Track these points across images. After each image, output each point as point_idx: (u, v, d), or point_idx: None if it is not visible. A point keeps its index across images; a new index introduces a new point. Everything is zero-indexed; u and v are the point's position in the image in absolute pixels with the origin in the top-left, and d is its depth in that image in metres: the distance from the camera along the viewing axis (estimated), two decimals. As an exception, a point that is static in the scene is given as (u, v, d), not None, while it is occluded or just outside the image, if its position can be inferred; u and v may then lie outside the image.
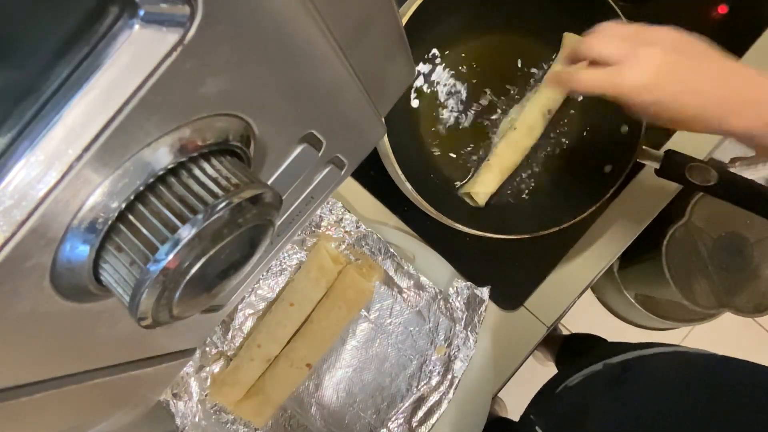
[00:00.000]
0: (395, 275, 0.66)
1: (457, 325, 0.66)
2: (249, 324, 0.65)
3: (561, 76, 0.48)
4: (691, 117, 0.43)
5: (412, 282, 0.66)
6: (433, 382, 0.66)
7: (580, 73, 0.45)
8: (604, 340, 1.07)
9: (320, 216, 0.66)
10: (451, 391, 0.65)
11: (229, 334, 0.64)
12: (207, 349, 0.63)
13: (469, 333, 0.66)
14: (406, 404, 0.65)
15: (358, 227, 0.66)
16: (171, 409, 0.61)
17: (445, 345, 0.66)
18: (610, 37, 0.45)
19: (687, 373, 0.56)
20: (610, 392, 0.59)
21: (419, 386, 0.66)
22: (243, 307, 0.65)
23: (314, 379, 0.65)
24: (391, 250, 0.66)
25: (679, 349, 0.66)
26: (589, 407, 0.59)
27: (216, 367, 0.63)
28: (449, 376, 0.65)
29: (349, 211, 0.66)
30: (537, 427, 0.64)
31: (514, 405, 0.73)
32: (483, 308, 0.66)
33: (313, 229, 0.66)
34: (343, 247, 0.66)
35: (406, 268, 0.66)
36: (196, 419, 0.62)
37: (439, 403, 0.65)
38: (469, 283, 0.67)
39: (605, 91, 0.45)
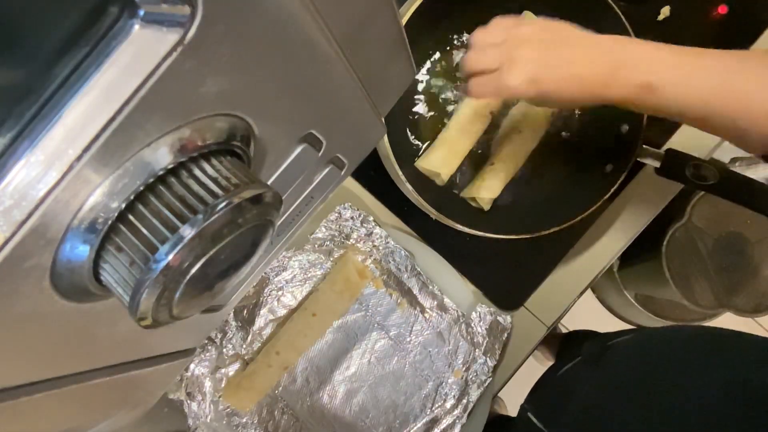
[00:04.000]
0: (419, 294, 0.66)
1: (476, 350, 0.66)
2: (269, 330, 0.64)
3: (464, 89, 0.52)
4: (574, 96, 0.47)
5: (435, 302, 0.66)
6: (448, 405, 0.65)
7: (471, 84, 0.49)
8: (610, 333, 1.08)
9: (351, 228, 0.66)
10: (465, 415, 0.65)
11: (249, 338, 0.64)
12: (224, 350, 0.63)
13: (488, 359, 0.65)
14: (419, 425, 0.65)
15: (387, 243, 0.66)
16: (184, 409, 0.61)
17: (463, 369, 0.65)
18: (484, 49, 0.49)
19: (658, 348, 0.59)
20: (591, 373, 0.62)
21: (433, 408, 0.65)
22: (264, 312, 0.65)
23: (328, 391, 0.65)
24: (418, 268, 0.66)
25: (659, 329, 0.69)
26: (574, 390, 0.62)
27: (232, 370, 0.63)
28: (464, 401, 0.65)
29: (380, 226, 0.66)
30: (529, 413, 0.66)
31: (514, 405, 0.74)
32: (505, 336, 0.66)
33: (342, 240, 0.66)
34: (370, 261, 0.66)
35: (431, 288, 0.66)
36: (208, 420, 0.62)
37: (452, 426, 0.65)
38: (493, 309, 0.67)
39: (495, 95, 0.50)
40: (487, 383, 0.65)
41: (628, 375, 0.57)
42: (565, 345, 1.28)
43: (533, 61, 0.46)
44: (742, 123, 0.43)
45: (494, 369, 0.66)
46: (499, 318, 0.66)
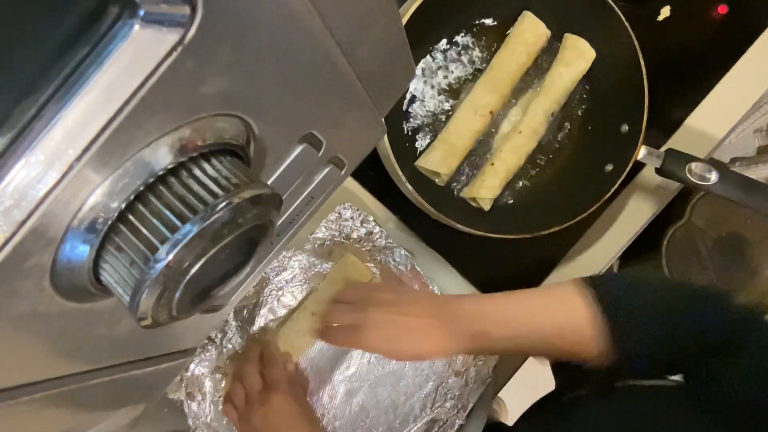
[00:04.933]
0: None
1: None
2: (268, 329, 0.64)
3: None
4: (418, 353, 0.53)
5: None
6: (448, 405, 0.65)
7: (328, 332, 0.55)
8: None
9: (351, 228, 0.66)
10: (465, 415, 0.65)
11: (248, 336, 0.64)
12: (224, 350, 0.63)
13: (488, 360, 0.65)
14: (419, 425, 0.65)
15: (386, 243, 0.66)
16: (184, 409, 0.61)
17: (463, 370, 0.65)
18: (342, 306, 0.55)
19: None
20: (598, 405, 0.62)
21: (434, 408, 0.65)
22: (264, 312, 0.65)
23: (328, 391, 0.65)
24: (418, 268, 0.66)
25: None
26: (577, 419, 0.62)
27: (232, 368, 0.63)
28: (464, 401, 0.65)
29: (379, 225, 0.66)
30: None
31: (514, 405, 0.74)
32: None
33: (343, 240, 0.66)
34: (370, 261, 0.66)
35: (431, 288, 0.66)
36: (208, 420, 0.61)
37: (452, 426, 0.65)
38: None
39: (347, 345, 0.60)
40: (487, 383, 0.65)
41: (639, 422, 0.57)
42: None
43: (384, 325, 0.51)
44: (572, 349, 0.49)
45: (494, 369, 0.66)
46: None
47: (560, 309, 0.50)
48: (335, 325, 0.55)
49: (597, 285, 0.49)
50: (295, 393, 0.60)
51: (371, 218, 0.66)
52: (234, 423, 0.59)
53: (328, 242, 0.66)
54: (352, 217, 0.66)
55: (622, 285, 0.50)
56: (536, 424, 0.65)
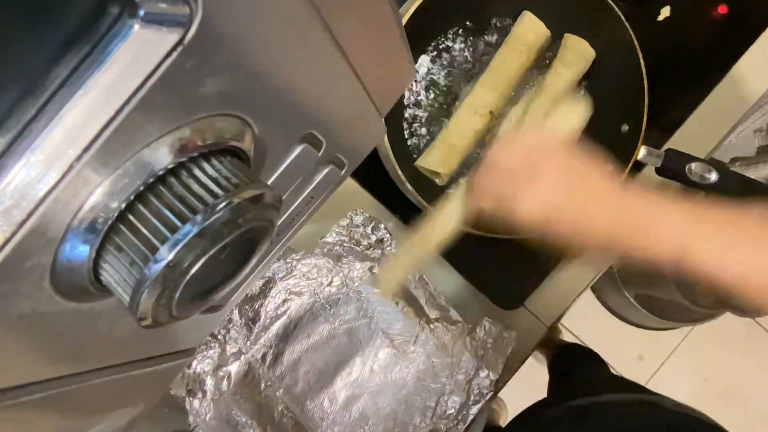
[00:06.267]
0: (425, 305, 0.66)
1: (479, 363, 0.66)
2: (273, 329, 0.65)
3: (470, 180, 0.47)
4: (581, 244, 0.43)
5: (441, 314, 0.66)
6: (448, 416, 0.65)
7: (478, 181, 0.45)
8: (593, 364, 1.09)
9: (361, 234, 0.66)
10: (464, 428, 0.65)
11: (252, 336, 0.64)
12: (227, 348, 0.63)
13: (490, 374, 0.65)
14: None
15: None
16: (186, 406, 0.61)
17: (465, 381, 0.65)
18: (501, 170, 0.44)
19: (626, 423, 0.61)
20: (572, 429, 0.63)
21: (433, 418, 0.65)
22: (270, 311, 0.65)
23: (329, 395, 0.65)
24: (425, 278, 0.66)
25: (636, 397, 0.70)
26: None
27: (234, 367, 0.63)
28: (464, 413, 0.65)
29: (390, 233, 0.66)
30: None
31: (514, 405, 0.74)
32: (509, 351, 0.66)
33: (352, 246, 0.66)
34: (378, 268, 0.66)
35: (437, 299, 0.66)
36: (208, 418, 0.62)
37: None
38: (499, 325, 0.66)
39: (495, 213, 0.45)
40: (488, 397, 0.65)
41: None
42: (558, 359, 1.27)
43: (549, 204, 0.42)
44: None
45: (496, 383, 0.66)
46: (504, 333, 0.66)
47: None
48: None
49: None
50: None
51: (382, 225, 0.66)
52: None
53: (338, 247, 0.66)
54: (363, 224, 0.66)
55: None
56: None
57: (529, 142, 0.46)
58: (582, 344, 1.46)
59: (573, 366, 1.16)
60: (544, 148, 0.45)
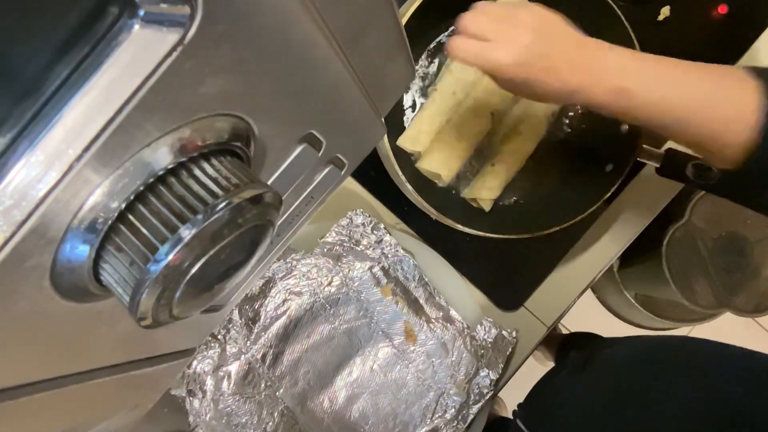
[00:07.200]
0: (425, 304, 0.66)
1: (479, 363, 0.66)
2: (274, 329, 0.65)
3: (446, 47, 0.49)
4: (553, 92, 0.47)
5: (441, 313, 0.66)
6: (448, 416, 0.65)
7: (455, 41, 0.47)
8: (601, 339, 1.08)
9: (361, 234, 0.66)
10: (464, 427, 0.65)
11: (252, 335, 0.64)
12: (227, 348, 0.63)
13: (490, 373, 0.65)
14: None
15: (396, 251, 0.66)
16: (185, 405, 0.61)
17: (465, 381, 0.65)
18: (485, 15, 0.47)
19: (639, 362, 0.60)
20: (575, 384, 0.63)
21: (434, 418, 0.65)
22: (270, 311, 0.65)
23: (329, 395, 0.65)
24: (425, 278, 0.66)
25: (644, 336, 0.71)
26: (561, 400, 0.63)
27: (234, 367, 0.63)
28: (464, 413, 0.65)
29: (389, 233, 0.66)
30: (518, 420, 0.66)
31: (514, 405, 0.74)
32: (509, 351, 0.66)
33: (352, 246, 0.66)
34: (377, 268, 0.66)
35: (437, 299, 0.66)
36: (207, 418, 0.62)
37: None
38: (499, 325, 0.67)
39: (478, 64, 0.47)
40: (488, 396, 0.65)
41: (608, 388, 0.58)
42: (561, 348, 1.29)
43: (528, 45, 0.46)
44: (717, 126, 0.44)
45: (496, 383, 0.66)
46: (504, 332, 0.66)
47: (721, 80, 0.45)
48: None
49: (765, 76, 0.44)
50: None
51: (382, 226, 0.66)
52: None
53: (338, 247, 0.66)
54: (363, 224, 0.66)
55: None
56: (530, 414, 0.67)
57: (506, 6, 0.49)
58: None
59: (584, 342, 1.16)
60: (522, 5, 0.49)
